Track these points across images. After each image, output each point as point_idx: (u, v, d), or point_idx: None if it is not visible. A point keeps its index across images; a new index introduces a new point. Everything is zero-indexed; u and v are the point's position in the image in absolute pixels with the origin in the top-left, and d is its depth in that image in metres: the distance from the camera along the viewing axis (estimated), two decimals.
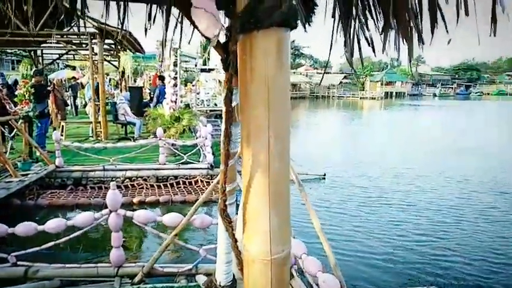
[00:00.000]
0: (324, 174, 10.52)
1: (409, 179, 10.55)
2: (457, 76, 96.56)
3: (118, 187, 7.72)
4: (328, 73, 74.11)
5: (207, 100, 30.13)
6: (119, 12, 1.92)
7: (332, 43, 1.52)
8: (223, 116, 1.19)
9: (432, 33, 1.31)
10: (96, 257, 4.76)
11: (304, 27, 1.80)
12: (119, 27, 1.95)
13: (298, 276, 3.76)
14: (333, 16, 1.54)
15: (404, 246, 6.09)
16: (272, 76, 1.10)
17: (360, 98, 67.10)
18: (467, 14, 1.14)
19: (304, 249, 3.26)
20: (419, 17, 1.33)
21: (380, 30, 1.56)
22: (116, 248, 3.73)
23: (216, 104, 30.61)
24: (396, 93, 73.01)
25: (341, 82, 71.99)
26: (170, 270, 3.79)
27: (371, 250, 5.94)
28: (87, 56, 12.50)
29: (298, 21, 1.13)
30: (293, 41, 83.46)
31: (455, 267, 5.41)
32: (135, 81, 25.06)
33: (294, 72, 68.38)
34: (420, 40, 1.46)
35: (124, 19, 1.95)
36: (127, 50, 16.62)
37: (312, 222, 3.13)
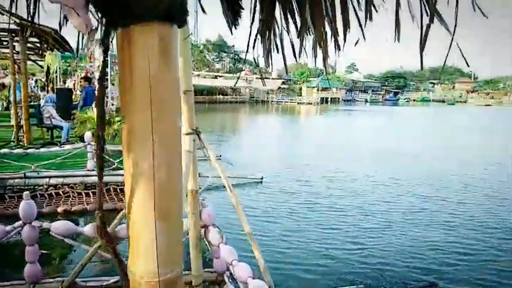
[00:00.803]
0: (262, 178, 10.60)
1: (343, 183, 10.95)
2: (386, 83, 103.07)
3: (41, 196, 7.25)
4: (266, 78, 75.44)
5: None
6: (28, 7, 1.74)
7: (248, 47, 1.48)
8: (96, 121, 1.08)
9: (345, 37, 1.31)
10: (9, 274, 4.33)
11: (231, 30, 1.76)
12: (41, 24, 1.77)
13: (231, 283, 3.71)
14: (252, 21, 1.50)
15: (335, 249, 6.27)
16: (156, 76, 1.00)
17: (298, 103, 69.11)
18: (370, 19, 1.16)
19: (235, 255, 3.21)
20: (328, 20, 1.33)
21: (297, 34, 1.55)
22: (31, 263, 3.42)
23: None
24: (331, 98, 76.29)
25: (279, 87, 73.68)
26: (94, 284, 3.55)
27: (303, 254, 6.05)
28: (8, 55, 11.52)
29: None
30: (233, 46, 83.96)
31: (382, 268, 5.67)
32: (64, 82, 23.60)
33: (233, 77, 68.72)
34: (337, 45, 1.47)
35: (34, 14, 1.76)
36: (55, 50, 15.58)
37: (243, 227, 3.10)
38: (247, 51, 1.47)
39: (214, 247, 3.49)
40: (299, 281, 5.19)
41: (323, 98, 73.70)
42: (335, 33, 1.33)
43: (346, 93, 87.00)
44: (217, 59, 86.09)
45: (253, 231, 3.24)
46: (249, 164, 13.05)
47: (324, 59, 1.39)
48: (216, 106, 54.93)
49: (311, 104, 68.72)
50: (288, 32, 1.59)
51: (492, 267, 5.77)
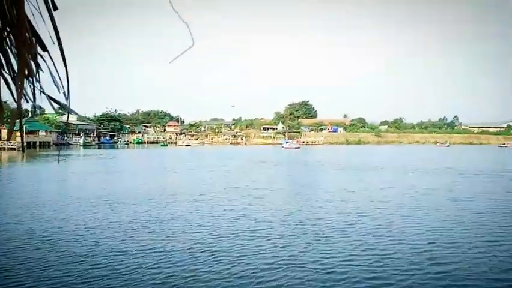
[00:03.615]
0: None
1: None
2: (101, 126, 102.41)
3: None
4: None
5: None
6: None
7: None
8: None
9: None
10: None
11: None
12: None
13: None
14: None
15: None
16: None
17: None
18: None
19: None
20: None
21: None
22: None
23: None
24: (40, 142, 68.91)
25: None
26: None
27: None
28: None
29: None
30: None
31: None
32: None
33: None
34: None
35: None
36: None
37: None
38: None
39: None
40: None
41: (30, 142, 65.61)
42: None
43: (58, 136, 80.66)
44: None
45: None
46: None
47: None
48: None
49: (15, 149, 59.86)
50: None
51: None
